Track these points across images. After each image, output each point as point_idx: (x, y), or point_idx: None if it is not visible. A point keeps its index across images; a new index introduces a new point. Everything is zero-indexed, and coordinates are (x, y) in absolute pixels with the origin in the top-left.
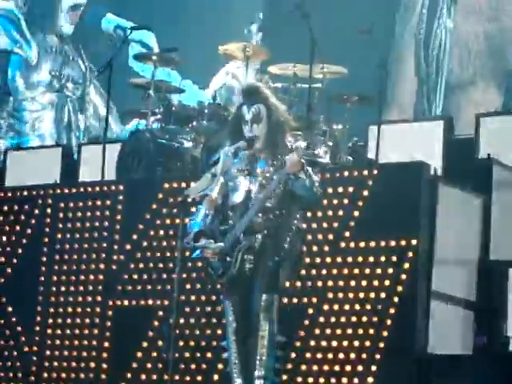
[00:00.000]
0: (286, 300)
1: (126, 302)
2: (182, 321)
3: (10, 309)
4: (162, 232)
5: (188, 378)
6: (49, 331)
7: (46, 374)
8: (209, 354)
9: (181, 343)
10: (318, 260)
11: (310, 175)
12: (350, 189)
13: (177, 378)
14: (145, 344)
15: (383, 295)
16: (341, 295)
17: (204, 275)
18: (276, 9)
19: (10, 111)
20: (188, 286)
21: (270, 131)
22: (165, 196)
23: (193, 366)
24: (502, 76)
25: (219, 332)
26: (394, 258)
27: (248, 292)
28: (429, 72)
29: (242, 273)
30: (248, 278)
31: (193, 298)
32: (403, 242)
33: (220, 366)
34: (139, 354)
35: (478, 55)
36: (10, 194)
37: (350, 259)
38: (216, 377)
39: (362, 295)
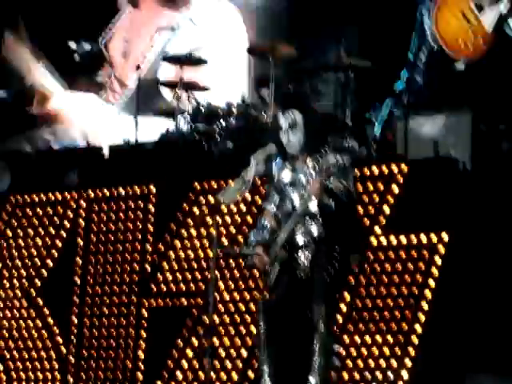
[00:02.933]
0: None
1: (160, 302)
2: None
3: (46, 311)
4: (194, 232)
5: (225, 377)
6: (85, 331)
7: (83, 374)
8: (244, 352)
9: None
10: None
11: (338, 193)
12: (380, 185)
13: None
14: (180, 343)
15: (415, 290)
16: (373, 291)
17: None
18: None
19: None
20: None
21: (306, 137)
22: (196, 196)
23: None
24: None
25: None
26: (425, 253)
27: (292, 302)
28: None
29: (285, 283)
30: (297, 289)
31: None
32: (434, 238)
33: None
34: (174, 353)
35: None
36: (43, 197)
37: (381, 255)
38: (251, 373)
39: (394, 291)
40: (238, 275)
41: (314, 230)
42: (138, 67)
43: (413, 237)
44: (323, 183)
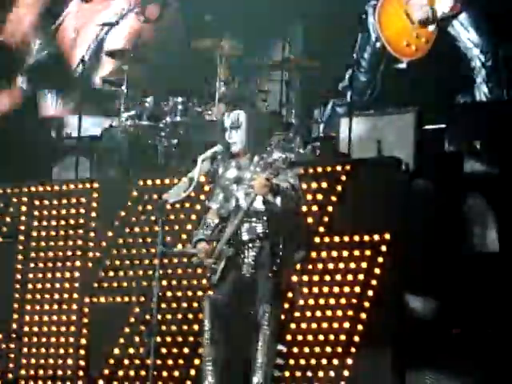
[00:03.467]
0: None
1: (102, 299)
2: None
3: None
4: (137, 229)
5: (165, 374)
6: (26, 329)
7: (23, 372)
8: (186, 350)
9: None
10: None
11: (283, 190)
12: (324, 184)
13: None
14: (122, 340)
15: (357, 289)
16: (316, 290)
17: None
18: None
19: None
20: (164, 283)
21: (249, 137)
22: (139, 193)
23: (170, 362)
24: None
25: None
26: (368, 253)
27: (235, 300)
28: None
29: (229, 280)
30: (242, 287)
31: (169, 294)
32: (376, 237)
33: (197, 361)
34: (116, 351)
35: None
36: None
37: (324, 254)
38: (193, 372)
39: (336, 290)
40: (181, 273)
41: (259, 227)
42: (83, 60)
43: (356, 237)
44: (268, 179)
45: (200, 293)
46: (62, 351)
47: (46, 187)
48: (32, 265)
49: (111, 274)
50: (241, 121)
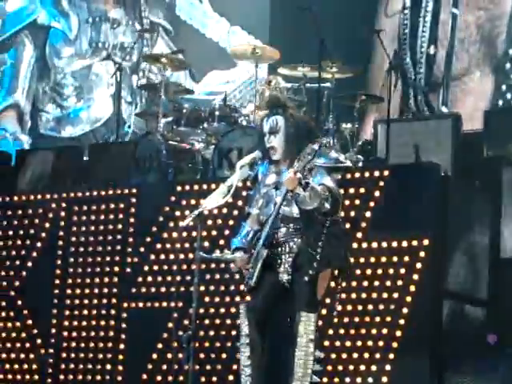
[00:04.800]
0: None
1: (140, 304)
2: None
3: (25, 312)
4: (175, 234)
5: (203, 379)
6: (65, 333)
7: (62, 376)
8: (224, 355)
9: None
10: None
11: (313, 188)
12: (362, 190)
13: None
14: (160, 345)
15: (396, 295)
16: (354, 296)
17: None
18: (285, 8)
19: (51, 86)
20: (202, 288)
21: (287, 142)
22: (177, 198)
23: (208, 367)
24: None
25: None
26: (407, 259)
27: (273, 305)
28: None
29: (266, 286)
30: (279, 292)
31: (207, 299)
32: (415, 243)
33: (235, 366)
34: (154, 356)
35: (472, 44)
36: (23, 198)
37: (362, 260)
38: (231, 377)
39: (374, 295)
40: (219, 278)
41: (296, 232)
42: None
43: (394, 243)
44: (295, 173)
45: (237, 298)
46: (100, 356)
47: (84, 193)
48: (71, 270)
49: (149, 279)
50: (279, 125)
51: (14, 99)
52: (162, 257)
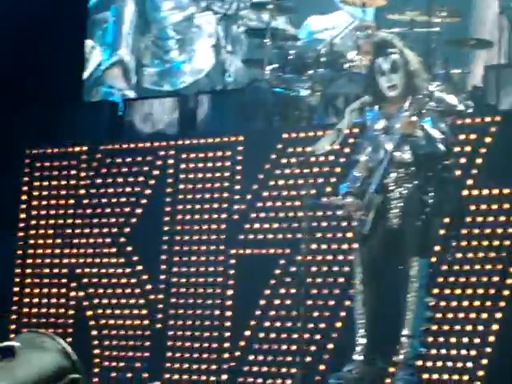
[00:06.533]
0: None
1: (248, 251)
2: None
3: (135, 258)
4: (281, 182)
5: (311, 326)
6: (173, 279)
7: (172, 322)
8: (331, 302)
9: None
10: None
11: (428, 131)
12: (472, 136)
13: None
14: (267, 291)
15: (507, 243)
16: (464, 243)
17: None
18: None
19: (153, 40)
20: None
21: (408, 78)
22: (284, 146)
23: (316, 314)
24: None
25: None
26: None
27: (386, 252)
28: None
29: (379, 232)
30: (391, 238)
31: (314, 246)
32: None
33: (342, 313)
34: (262, 302)
35: None
36: (132, 145)
37: (472, 207)
38: (339, 324)
39: (485, 243)
40: (327, 225)
41: (407, 177)
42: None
43: (506, 190)
44: (411, 116)
45: (345, 246)
46: (209, 302)
47: (192, 140)
48: (179, 216)
49: (256, 226)
50: (398, 63)
51: (119, 56)
52: (269, 204)
